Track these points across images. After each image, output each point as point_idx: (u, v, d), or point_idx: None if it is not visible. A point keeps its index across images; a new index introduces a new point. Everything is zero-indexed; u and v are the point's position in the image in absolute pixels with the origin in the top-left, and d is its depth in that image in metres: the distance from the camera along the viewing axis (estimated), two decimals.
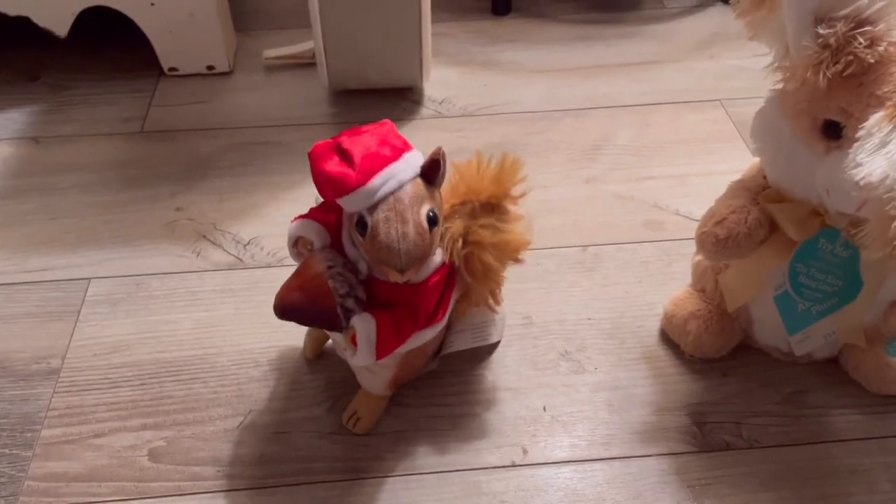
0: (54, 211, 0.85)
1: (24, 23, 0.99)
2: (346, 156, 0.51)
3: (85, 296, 0.76)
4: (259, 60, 1.07)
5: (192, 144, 0.94)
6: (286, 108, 1.00)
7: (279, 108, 1.00)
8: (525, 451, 0.64)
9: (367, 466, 0.62)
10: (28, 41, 1.07)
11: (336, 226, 0.57)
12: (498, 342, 0.71)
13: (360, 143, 0.52)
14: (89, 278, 0.78)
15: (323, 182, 0.52)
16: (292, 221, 0.58)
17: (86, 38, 1.08)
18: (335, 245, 0.57)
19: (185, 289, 0.77)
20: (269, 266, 0.79)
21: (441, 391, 0.68)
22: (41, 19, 0.99)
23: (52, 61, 1.07)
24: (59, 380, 0.69)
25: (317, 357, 0.70)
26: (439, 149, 0.53)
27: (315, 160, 0.52)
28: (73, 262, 0.79)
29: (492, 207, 0.59)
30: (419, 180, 0.53)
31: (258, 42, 1.11)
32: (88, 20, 1.00)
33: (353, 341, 0.55)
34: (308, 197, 0.86)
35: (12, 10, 0.97)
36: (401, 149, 0.53)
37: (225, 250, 0.81)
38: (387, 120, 0.55)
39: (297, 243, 0.58)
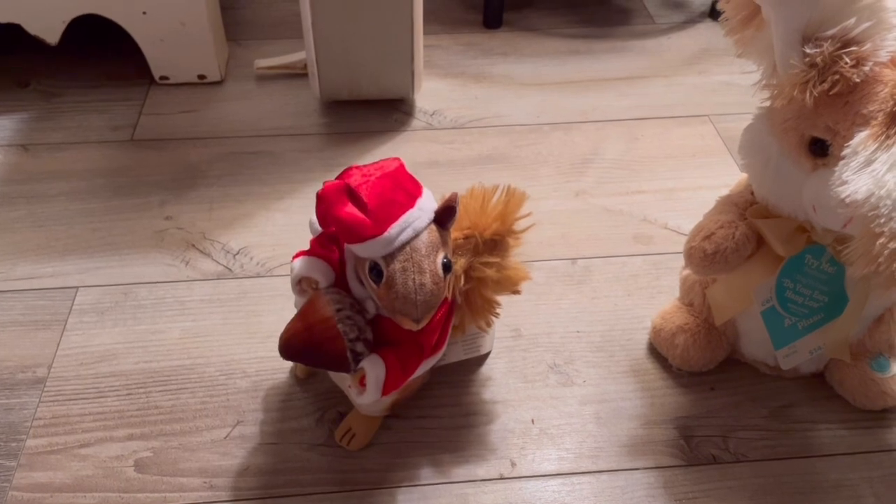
0: (42, 219, 0.85)
1: (15, 30, 0.99)
2: (359, 201, 0.50)
3: (72, 304, 0.75)
4: (251, 70, 1.07)
5: (182, 153, 0.94)
6: (277, 117, 1.00)
7: (270, 117, 1.00)
8: (513, 464, 0.64)
9: (356, 478, 0.62)
10: (19, 48, 1.07)
11: (340, 261, 0.56)
12: (488, 353, 0.71)
13: (374, 188, 0.51)
14: (77, 287, 0.77)
15: (336, 228, 0.51)
16: (294, 258, 0.56)
17: (77, 46, 1.08)
18: (339, 282, 0.55)
19: (174, 298, 0.76)
20: (258, 276, 0.79)
21: (430, 403, 0.68)
22: (32, 27, 0.98)
23: (43, 68, 1.07)
24: (45, 389, 0.68)
25: (308, 376, 0.69)
26: (454, 195, 0.53)
27: (327, 204, 0.50)
28: (61, 270, 0.79)
29: (494, 244, 0.59)
30: (433, 227, 0.52)
31: (250, 52, 1.11)
32: (80, 28, 1.00)
33: (361, 382, 0.54)
34: (299, 207, 0.87)
35: (3, 18, 0.97)
36: (414, 194, 0.52)
37: (214, 260, 0.81)
38: (397, 158, 0.54)
39: (300, 281, 0.56)
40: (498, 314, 0.62)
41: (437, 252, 0.51)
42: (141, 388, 0.68)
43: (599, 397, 0.69)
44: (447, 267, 0.52)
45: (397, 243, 0.50)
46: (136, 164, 0.92)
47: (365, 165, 0.54)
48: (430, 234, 0.52)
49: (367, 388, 0.54)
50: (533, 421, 0.67)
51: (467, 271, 0.57)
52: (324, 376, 0.69)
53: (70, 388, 0.68)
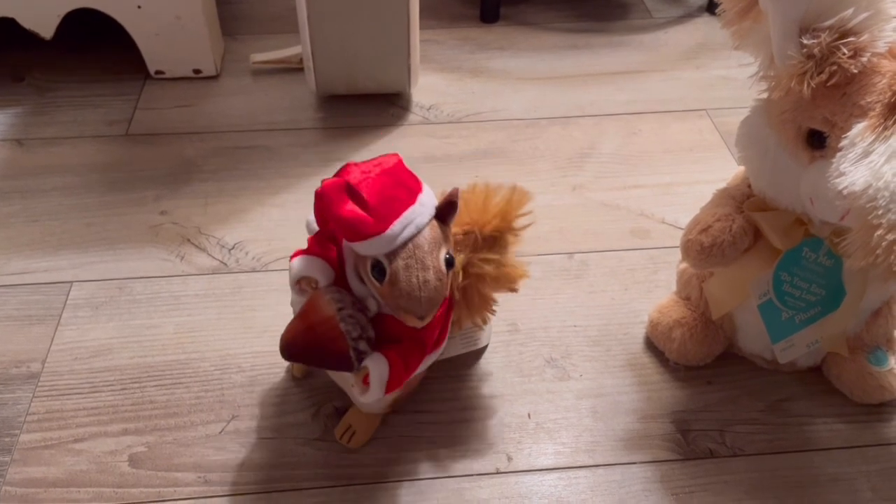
0: (37, 213, 0.84)
1: (9, 24, 0.98)
2: (359, 199, 0.49)
3: (67, 299, 0.75)
4: (246, 64, 1.07)
5: (177, 148, 0.94)
6: (273, 112, 1.00)
7: (266, 112, 1.00)
8: (509, 458, 0.63)
9: (352, 473, 0.62)
10: (13, 43, 1.07)
11: (338, 259, 0.55)
12: (486, 347, 0.71)
13: (374, 185, 0.50)
14: (71, 282, 0.77)
15: (337, 226, 0.50)
16: (292, 258, 0.55)
17: (72, 41, 1.08)
18: (338, 281, 0.55)
19: (169, 293, 0.76)
20: (253, 270, 0.79)
21: (426, 398, 0.67)
22: (26, 21, 0.98)
23: (38, 63, 1.06)
24: (39, 384, 0.68)
25: (305, 376, 0.69)
26: (456, 190, 0.52)
27: (326, 203, 0.50)
28: (55, 265, 0.79)
29: (494, 240, 0.58)
30: (435, 223, 0.52)
31: (246, 46, 1.11)
32: (74, 22, 0.99)
33: (365, 381, 0.53)
34: (295, 203, 0.87)
35: None
36: (415, 190, 0.51)
37: (209, 254, 0.80)
38: (396, 154, 0.54)
39: (299, 281, 0.55)
40: (494, 311, 0.62)
41: (439, 248, 0.51)
42: (135, 382, 0.68)
43: (596, 391, 0.68)
44: (450, 263, 0.52)
45: (400, 240, 0.50)
46: (132, 159, 0.92)
47: (363, 162, 0.53)
48: (433, 231, 0.51)
49: (371, 386, 0.53)
50: (529, 415, 0.67)
51: (465, 267, 0.57)
52: (320, 372, 0.68)
53: (64, 383, 0.68)
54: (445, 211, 0.52)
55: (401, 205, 0.50)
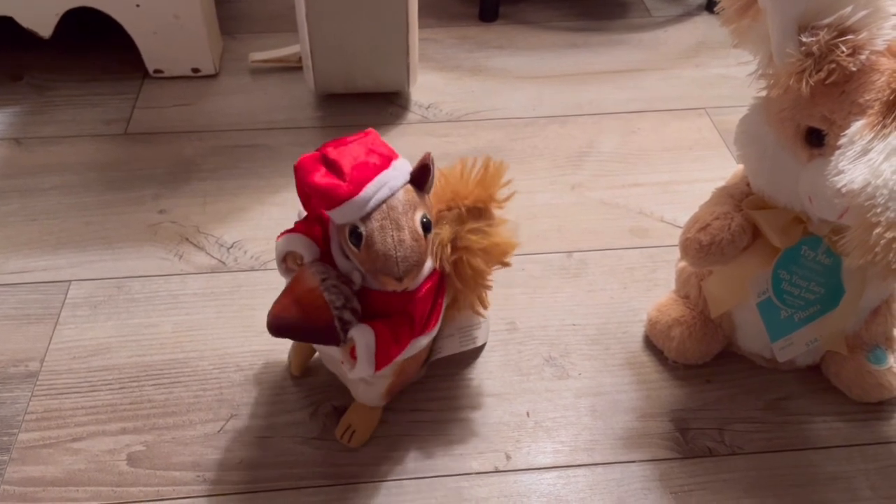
0: (35, 212, 0.84)
1: (7, 23, 0.98)
2: (334, 167, 0.51)
3: (65, 298, 0.75)
4: (245, 63, 1.07)
5: (176, 147, 0.94)
6: (272, 111, 1.00)
7: (265, 111, 1.00)
8: (508, 457, 0.63)
9: (350, 472, 0.62)
10: (12, 41, 1.06)
11: (324, 238, 0.56)
12: (484, 345, 0.71)
13: (348, 154, 0.51)
14: (69, 281, 0.77)
15: (313, 194, 0.51)
16: (278, 238, 0.56)
17: (70, 40, 1.07)
18: (324, 258, 0.56)
19: (167, 292, 0.76)
20: (252, 269, 0.79)
21: (425, 396, 0.67)
22: (25, 20, 0.98)
23: (36, 62, 1.06)
24: (38, 383, 0.68)
25: (303, 374, 0.69)
26: (428, 154, 0.53)
27: (302, 173, 0.51)
28: (54, 264, 0.79)
29: (478, 212, 0.59)
30: (410, 187, 0.53)
31: (244, 45, 1.11)
32: (73, 21, 0.99)
33: (353, 354, 0.54)
34: (294, 201, 0.86)
35: None
36: (389, 156, 0.53)
37: (208, 253, 0.80)
38: (371, 129, 0.55)
39: (285, 259, 0.56)
40: (489, 286, 0.61)
41: (414, 209, 0.52)
42: (134, 381, 0.68)
43: (595, 390, 0.68)
44: (427, 226, 0.52)
45: (373, 202, 0.50)
46: (130, 158, 0.92)
47: (340, 138, 0.54)
48: (407, 193, 0.52)
49: (358, 358, 0.53)
50: (528, 414, 0.67)
51: (453, 241, 0.57)
52: (319, 370, 0.68)
53: (62, 382, 0.68)
54: (419, 174, 0.53)
55: (374, 169, 0.51)
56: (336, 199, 0.50)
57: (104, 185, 0.88)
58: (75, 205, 0.85)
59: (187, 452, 0.63)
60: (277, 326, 0.53)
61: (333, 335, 0.53)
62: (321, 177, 0.51)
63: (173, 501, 0.60)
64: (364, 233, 0.51)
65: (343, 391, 0.65)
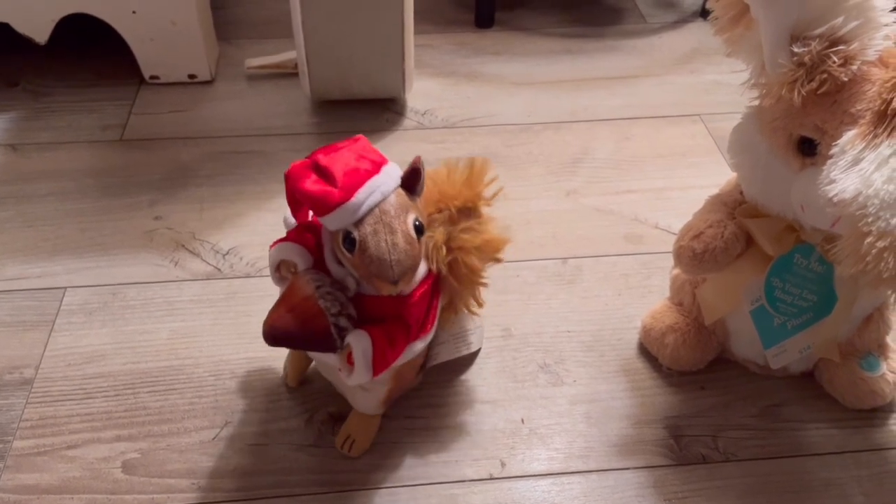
0: (31, 219, 0.84)
1: (3, 29, 0.98)
2: (325, 173, 0.51)
3: (60, 305, 0.75)
4: (241, 69, 1.07)
5: (172, 153, 0.94)
6: (268, 117, 1.00)
7: (261, 117, 1.00)
8: (503, 464, 0.64)
9: (345, 479, 0.62)
10: (8, 47, 1.06)
11: (316, 245, 0.56)
12: (478, 350, 0.71)
13: (338, 160, 0.51)
14: (65, 287, 0.77)
15: (305, 201, 0.52)
16: (271, 247, 0.57)
17: (67, 46, 1.07)
18: (318, 266, 0.56)
19: (163, 298, 0.76)
20: (248, 276, 0.79)
21: (419, 403, 0.67)
22: (21, 26, 0.98)
23: (32, 68, 1.06)
24: (33, 390, 0.68)
25: (299, 385, 0.68)
26: (418, 158, 0.53)
27: (294, 181, 0.52)
28: (49, 270, 0.79)
29: (468, 211, 0.59)
30: (401, 191, 0.53)
31: (240, 51, 1.11)
32: (69, 27, 0.99)
33: (349, 360, 0.54)
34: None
35: None
36: (379, 162, 0.53)
37: (203, 260, 0.80)
38: (360, 135, 0.55)
39: (279, 267, 0.56)
40: (485, 283, 0.62)
41: (406, 213, 0.52)
42: (129, 388, 0.68)
43: (589, 397, 0.69)
44: (419, 229, 0.52)
45: (365, 207, 0.51)
46: (126, 164, 0.92)
47: (330, 145, 0.54)
48: (399, 197, 0.52)
49: (356, 364, 0.53)
50: (523, 421, 0.67)
51: (447, 242, 0.57)
52: (315, 377, 0.68)
53: (57, 389, 0.68)
54: (410, 178, 0.53)
55: (365, 174, 0.51)
56: (328, 206, 0.50)
57: (100, 191, 0.88)
58: (71, 211, 0.85)
59: (182, 460, 0.63)
60: (273, 336, 0.53)
61: (330, 342, 0.53)
62: (312, 183, 0.51)
63: None
64: (357, 238, 0.51)
65: (338, 398, 0.65)
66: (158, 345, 0.72)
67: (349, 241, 0.51)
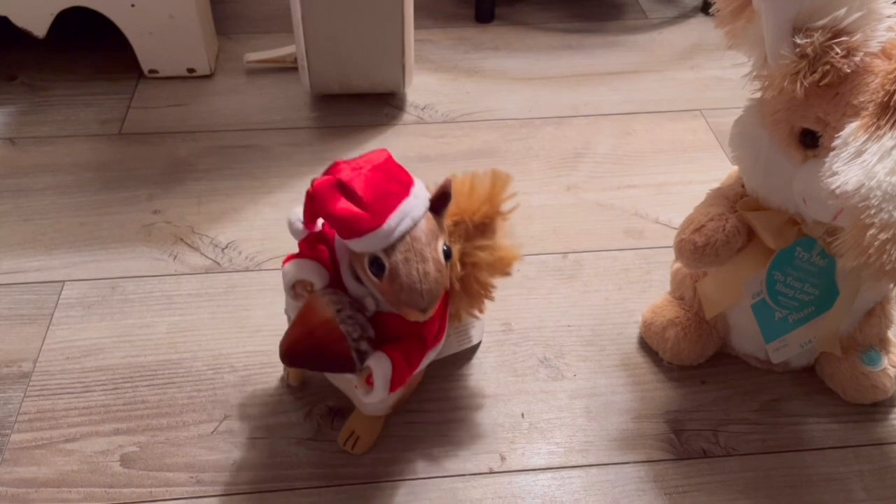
0: (29, 212, 0.84)
1: (2, 22, 0.98)
2: (352, 195, 0.49)
3: (58, 299, 0.75)
4: (241, 64, 1.07)
5: (171, 147, 0.94)
6: (267, 111, 0.99)
7: (260, 111, 0.99)
8: (503, 458, 0.63)
9: (344, 473, 0.62)
10: (6, 41, 1.06)
11: (332, 260, 0.55)
12: (479, 344, 0.71)
13: (367, 181, 0.49)
14: (63, 281, 0.77)
15: (333, 224, 0.50)
16: (285, 262, 0.55)
17: (65, 39, 1.07)
18: (333, 282, 0.54)
19: (161, 292, 0.76)
20: (246, 270, 0.78)
21: (419, 398, 0.67)
22: (19, 19, 0.97)
23: (31, 62, 1.06)
24: (31, 384, 0.67)
25: (301, 384, 0.68)
26: (448, 181, 0.52)
27: (321, 201, 0.49)
28: (48, 264, 0.78)
29: (484, 227, 0.58)
30: (430, 215, 0.52)
31: (240, 45, 1.10)
32: (68, 21, 0.99)
33: (368, 381, 0.53)
34: (288, 202, 0.87)
35: None
36: (408, 183, 0.51)
37: (202, 254, 0.80)
38: (384, 149, 0.53)
39: (294, 286, 0.54)
40: (493, 297, 0.62)
41: (436, 239, 0.51)
42: (127, 382, 0.68)
43: (590, 391, 0.68)
44: (447, 254, 0.52)
45: (396, 234, 0.49)
46: (125, 158, 0.92)
47: (352, 159, 0.53)
48: (428, 223, 0.51)
49: (375, 386, 0.53)
50: (523, 415, 0.66)
51: (461, 257, 0.57)
52: (315, 376, 0.68)
53: (55, 383, 0.68)
54: (439, 202, 0.52)
55: (395, 199, 0.50)
56: (359, 231, 0.49)
57: (98, 185, 0.88)
58: (69, 205, 0.85)
59: (181, 454, 0.63)
60: (292, 357, 0.52)
61: (350, 366, 0.52)
62: (341, 206, 0.49)
63: (166, 503, 0.60)
64: (388, 265, 0.49)
65: (338, 392, 0.65)
66: (157, 338, 0.71)
67: (377, 265, 0.50)
